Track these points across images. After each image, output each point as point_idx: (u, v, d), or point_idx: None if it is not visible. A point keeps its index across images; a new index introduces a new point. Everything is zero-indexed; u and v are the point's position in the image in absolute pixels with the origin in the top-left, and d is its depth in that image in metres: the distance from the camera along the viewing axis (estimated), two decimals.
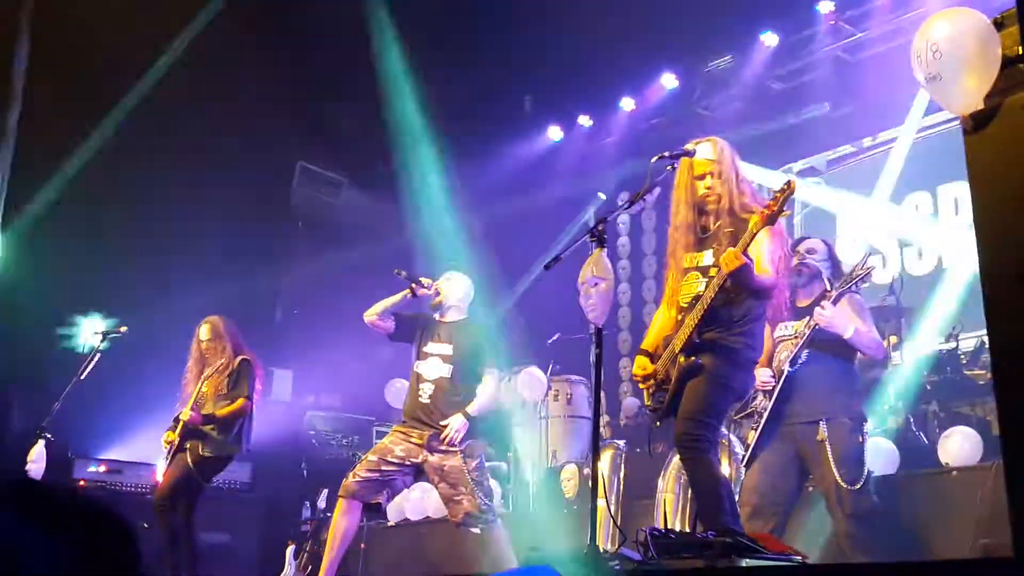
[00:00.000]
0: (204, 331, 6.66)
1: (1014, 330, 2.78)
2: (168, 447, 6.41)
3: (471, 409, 5.60)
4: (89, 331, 7.57)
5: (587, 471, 6.85)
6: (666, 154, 4.29)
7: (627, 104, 9.98)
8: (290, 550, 7.68)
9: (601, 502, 4.31)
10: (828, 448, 4.64)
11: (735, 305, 4.07)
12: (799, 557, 3.59)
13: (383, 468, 5.61)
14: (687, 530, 4.83)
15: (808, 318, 4.78)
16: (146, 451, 7.67)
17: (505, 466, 8.36)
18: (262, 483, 8.49)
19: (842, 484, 4.58)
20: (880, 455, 5.42)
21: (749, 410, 4.89)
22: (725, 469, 4.73)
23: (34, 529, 1.30)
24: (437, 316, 5.94)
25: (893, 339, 6.74)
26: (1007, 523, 2.64)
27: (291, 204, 10.48)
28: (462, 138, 9.63)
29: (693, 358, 4.05)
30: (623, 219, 10.58)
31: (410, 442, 5.62)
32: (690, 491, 4.41)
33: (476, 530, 5.58)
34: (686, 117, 9.53)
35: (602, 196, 5.50)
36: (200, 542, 6.63)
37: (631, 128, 10.12)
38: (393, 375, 8.50)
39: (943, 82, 3.03)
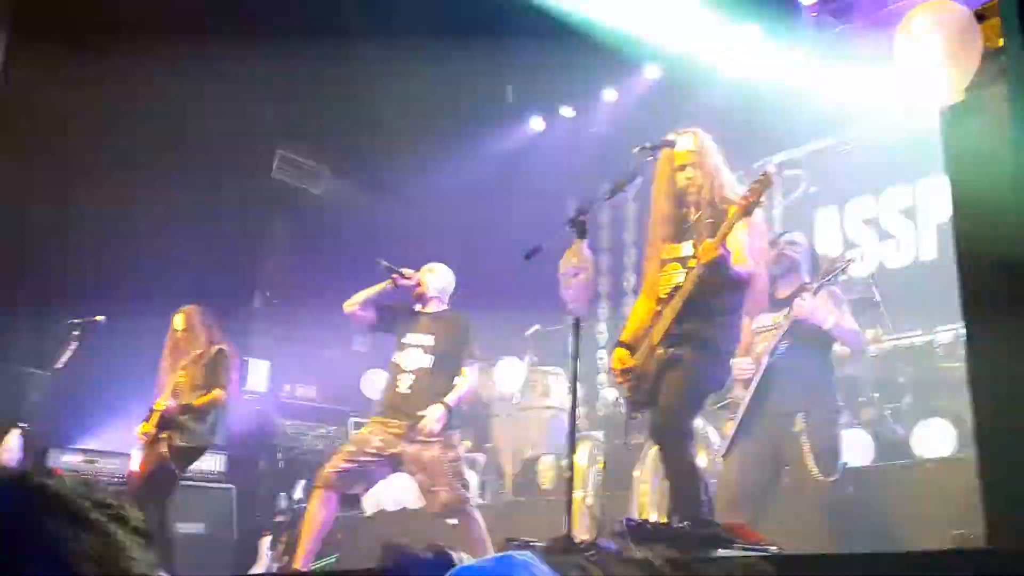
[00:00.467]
0: (179, 321, 6.62)
1: (989, 323, 2.78)
2: (143, 438, 6.37)
3: (450, 400, 5.58)
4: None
5: (564, 462, 6.85)
6: (647, 145, 4.28)
7: (609, 95, 9.97)
8: (265, 541, 7.65)
9: (578, 493, 4.32)
10: (804, 439, 4.66)
11: (713, 297, 4.07)
12: (774, 547, 3.60)
13: (360, 459, 5.58)
14: (663, 521, 4.84)
15: (787, 310, 4.79)
16: (122, 441, 7.60)
17: (483, 457, 8.36)
18: (238, 473, 8.44)
19: (818, 475, 4.60)
20: (856, 447, 5.46)
21: (726, 401, 4.90)
22: (702, 460, 4.74)
23: None
24: (418, 307, 5.92)
25: (871, 333, 6.77)
26: (981, 514, 2.65)
27: (270, 192, 10.39)
28: (444, 128, 9.59)
29: (671, 349, 4.06)
30: (604, 210, 10.57)
31: (388, 432, 5.60)
32: (667, 482, 4.41)
33: (454, 521, 5.58)
34: (669, 108, 9.51)
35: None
36: (175, 532, 6.60)
37: (613, 119, 10.10)
38: (370, 366, 8.47)
39: (924, 73, 3.03)
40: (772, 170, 4.04)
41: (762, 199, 3.98)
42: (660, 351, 4.08)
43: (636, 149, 4.29)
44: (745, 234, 4.08)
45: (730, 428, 4.85)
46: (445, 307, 5.94)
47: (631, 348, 4.28)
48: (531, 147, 10.58)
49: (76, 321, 7.23)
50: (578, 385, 4.26)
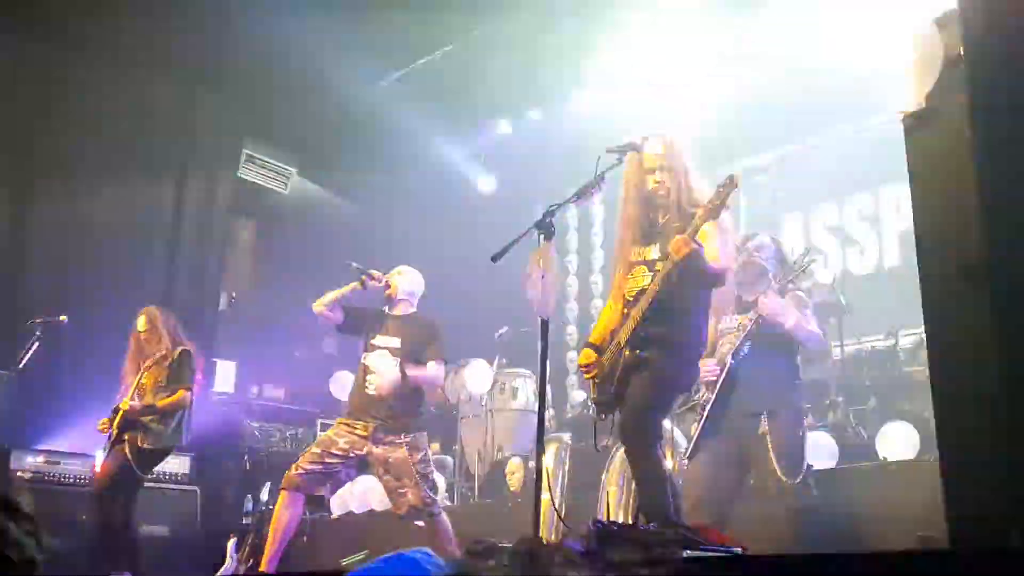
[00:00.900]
0: (141, 322, 6.57)
1: (951, 327, 2.82)
2: (105, 431, 6.31)
3: (409, 371, 5.56)
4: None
5: (532, 464, 6.86)
6: (615, 147, 4.30)
7: (578, 98, 9.98)
8: (231, 543, 7.60)
9: (545, 495, 4.33)
10: (769, 441, 4.69)
11: (680, 298, 4.09)
12: (740, 549, 3.62)
13: (326, 460, 5.57)
14: (630, 522, 4.86)
15: (751, 311, 4.82)
16: (85, 442, 7.53)
17: (450, 459, 8.36)
18: (203, 475, 8.38)
19: (782, 477, 4.63)
20: (820, 449, 5.51)
21: (692, 403, 4.92)
22: (668, 463, 4.76)
23: None
24: (387, 309, 5.92)
25: (834, 336, 6.83)
26: (943, 516, 2.69)
27: (237, 191, 10.32)
28: (413, 129, 9.57)
29: (638, 351, 4.08)
30: (571, 212, 10.60)
31: (354, 434, 5.59)
32: (633, 484, 4.43)
33: (420, 523, 5.57)
34: (634, 113, 9.53)
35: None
36: (140, 535, 6.54)
37: (580, 122, 10.11)
38: (338, 367, 8.45)
39: (886, 80, 3.07)
40: (737, 174, 4.06)
41: (728, 202, 4.00)
42: (627, 352, 4.10)
43: (604, 151, 4.29)
44: (716, 235, 4.10)
45: (695, 429, 4.87)
46: (413, 309, 5.94)
47: (599, 349, 4.30)
48: (498, 150, 10.56)
49: (38, 321, 7.16)
50: (547, 387, 4.27)
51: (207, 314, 9.68)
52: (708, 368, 4.81)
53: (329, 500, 7.70)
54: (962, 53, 2.83)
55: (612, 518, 5.17)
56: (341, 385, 7.97)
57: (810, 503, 4.68)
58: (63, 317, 7.15)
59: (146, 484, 6.52)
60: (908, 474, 5.00)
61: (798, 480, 4.65)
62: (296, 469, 5.55)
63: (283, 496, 5.54)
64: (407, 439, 5.55)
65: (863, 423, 6.36)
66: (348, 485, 7.54)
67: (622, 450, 4.96)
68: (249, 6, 7.73)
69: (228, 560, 7.52)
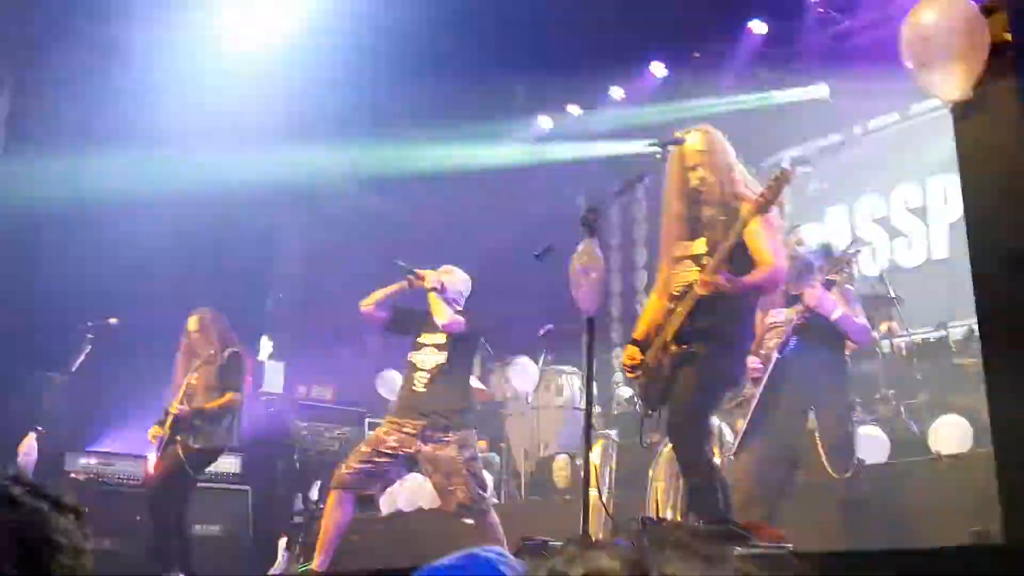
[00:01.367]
0: (192, 323, 6.65)
1: (1003, 317, 2.78)
2: (156, 441, 6.40)
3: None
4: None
5: (579, 461, 6.85)
6: (656, 142, 4.28)
7: (616, 93, 9.97)
8: (283, 542, 7.67)
9: (593, 492, 4.31)
10: (818, 437, 4.65)
11: (727, 294, 4.06)
12: (791, 545, 3.60)
13: (376, 459, 5.59)
14: (679, 519, 4.84)
15: (798, 305, 4.78)
16: (137, 443, 7.65)
17: (497, 457, 8.37)
18: (254, 475, 8.47)
19: (832, 472, 4.59)
20: (871, 444, 5.45)
21: (740, 399, 4.89)
22: (716, 458, 4.73)
23: None
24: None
25: (884, 327, 6.76)
26: (997, 510, 2.65)
27: (282, 193, 10.40)
28: (455, 127, 9.59)
29: (685, 346, 4.04)
30: (614, 208, 10.57)
31: (403, 432, 5.60)
32: (681, 480, 4.41)
33: (470, 520, 5.58)
34: (676, 106, 9.50)
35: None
36: (192, 534, 6.63)
37: (621, 117, 10.10)
38: (384, 366, 8.48)
39: (932, 69, 3.02)
40: (789, 168, 4.02)
41: (779, 197, 3.96)
42: (673, 348, 4.07)
43: (645, 146, 4.28)
44: (765, 233, 4.04)
45: (742, 425, 4.84)
46: (460, 308, 5.92)
47: (643, 346, 4.27)
48: (540, 146, 10.57)
49: (89, 324, 7.27)
50: (592, 384, 4.26)
51: (255, 315, 9.78)
52: (753, 364, 4.78)
53: (379, 499, 7.74)
54: (1009, 39, 2.78)
55: (661, 515, 5.16)
56: (388, 384, 8.01)
57: (861, 498, 4.64)
58: (113, 320, 7.26)
59: (198, 484, 6.60)
60: (961, 468, 4.92)
61: (848, 475, 4.61)
62: (346, 468, 5.58)
63: (333, 495, 5.57)
64: (455, 437, 5.56)
65: (914, 417, 6.27)
66: (397, 483, 7.59)
67: (669, 446, 4.94)
68: None
69: (279, 559, 7.59)
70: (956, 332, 6.85)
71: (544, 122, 10.60)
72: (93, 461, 7.70)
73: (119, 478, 7.72)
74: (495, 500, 7.34)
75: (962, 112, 2.96)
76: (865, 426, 5.66)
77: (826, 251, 5.15)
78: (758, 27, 8.77)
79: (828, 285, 4.78)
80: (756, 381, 4.80)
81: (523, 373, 8.15)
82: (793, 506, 4.66)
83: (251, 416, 6.86)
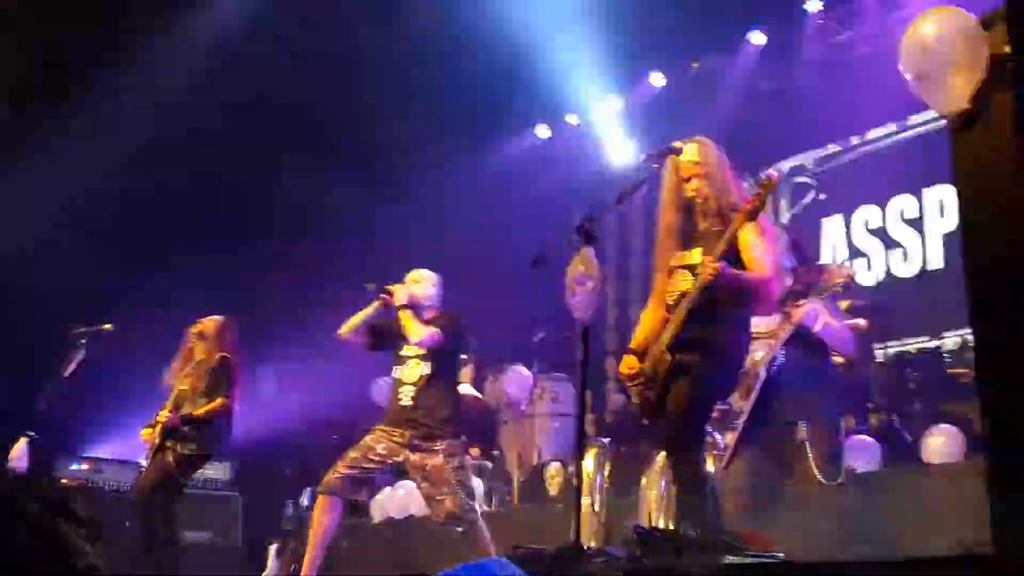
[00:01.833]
0: (195, 329, 6.62)
1: (997, 328, 2.78)
2: (148, 444, 6.37)
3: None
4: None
5: (571, 469, 6.84)
6: (652, 152, 4.29)
7: (614, 102, 10.00)
8: (273, 548, 7.65)
9: (585, 500, 4.32)
10: (808, 448, 4.65)
11: (721, 303, 4.07)
12: (782, 554, 3.59)
13: (364, 465, 5.57)
14: (671, 528, 4.83)
15: (781, 318, 4.78)
16: (129, 449, 7.62)
17: (489, 464, 8.36)
18: (245, 481, 8.45)
19: (822, 481, 4.60)
20: (863, 453, 5.44)
21: (726, 407, 4.89)
22: (709, 467, 4.73)
23: None
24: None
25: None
26: (988, 521, 2.65)
27: (274, 200, 10.41)
28: (450, 136, 9.60)
29: (679, 356, 4.05)
30: (610, 217, 10.56)
31: (392, 440, 5.59)
32: (674, 488, 4.41)
33: (459, 529, 5.57)
34: (673, 116, 9.53)
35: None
36: (182, 541, 6.59)
37: (618, 126, 10.13)
38: (378, 374, 8.46)
39: (930, 81, 3.03)
40: (775, 173, 4.03)
41: (765, 204, 3.97)
42: (668, 357, 4.08)
43: (642, 156, 4.29)
44: (757, 241, 4.05)
45: (731, 436, 4.84)
46: (436, 313, 5.86)
47: (640, 355, 4.27)
48: (537, 154, 10.59)
49: (83, 329, 7.24)
50: (586, 391, 4.26)
51: (248, 321, 9.74)
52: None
53: (369, 505, 7.72)
54: (1008, 52, 2.79)
55: (653, 523, 5.15)
56: (382, 391, 7.99)
57: (851, 507, 4.64)
58: (108, 325, 7.23)
59: (188, 490, 6.56)
60: (952, 478, 4.92)
61: (838, 483, 4.61)
62: (334, 473, 5.56)
63: (321, 500, 5.55)
64: (443, 446, 5.54)
65: (907, 426, 6.27)
66: (388, 490, 7.57)
67: (662, 454, 4.93)
68: None
69: (269, 565, 7.57)
70: (950, 342, 6.86)
71: (542, 131, 10.61)
72: (84, 467, 7.67)
73: (110, 484, 7.70)
74: (487, 507, 7.32)
75: (960, 124, 2.96)
76: (857, 435, 5.66)
77: (801, 256, 5.18)
78: (757, 38, 8.80)
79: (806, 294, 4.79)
80: (743, 393, 4.80)
81: (516, 380, 8.15)
82: (784, 515, 4.65)
83: (243, 422, 6.82)
